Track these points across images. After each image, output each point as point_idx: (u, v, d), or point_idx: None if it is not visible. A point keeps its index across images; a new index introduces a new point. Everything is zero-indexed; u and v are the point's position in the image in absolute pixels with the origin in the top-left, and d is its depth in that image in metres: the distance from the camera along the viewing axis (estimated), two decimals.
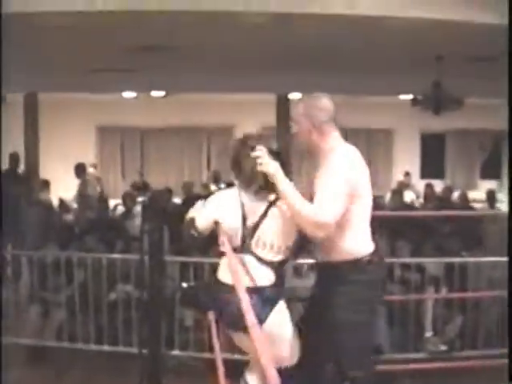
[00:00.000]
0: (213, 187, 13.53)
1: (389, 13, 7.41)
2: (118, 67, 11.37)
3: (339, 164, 3.71)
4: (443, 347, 6.67)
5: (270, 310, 3.71)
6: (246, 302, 2.18)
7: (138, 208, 10.33)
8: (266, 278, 3.77)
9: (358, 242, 3.86)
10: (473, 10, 7.27)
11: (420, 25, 7.73)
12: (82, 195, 12.86)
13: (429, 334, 6.78)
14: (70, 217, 11.13)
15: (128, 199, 11.60)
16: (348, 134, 10.68)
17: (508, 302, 4.47)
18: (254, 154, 3.79)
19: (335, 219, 3.60)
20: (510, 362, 4.00)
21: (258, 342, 1.70)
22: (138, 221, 9.57)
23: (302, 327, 4.03)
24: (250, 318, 1.97)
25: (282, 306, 3.80)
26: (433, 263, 6.92)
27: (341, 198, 3.63)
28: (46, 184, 12.79)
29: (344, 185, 3.65)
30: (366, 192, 3.87)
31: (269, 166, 3.74)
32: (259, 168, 3.76)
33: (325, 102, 3.87)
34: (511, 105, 4.77)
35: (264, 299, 3.69)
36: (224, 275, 3.80)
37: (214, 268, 6.56)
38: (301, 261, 6.33)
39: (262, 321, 3.59)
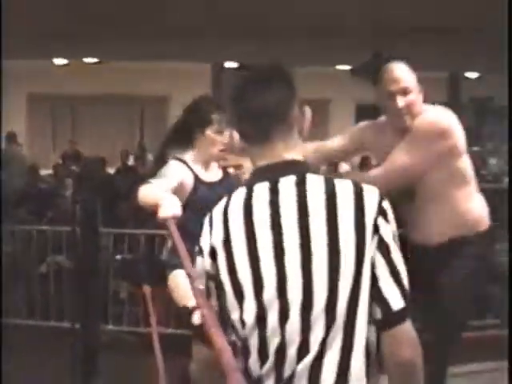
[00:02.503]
0: None
1: None
2: (50, 33, 11.02)
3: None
4: None
5: None
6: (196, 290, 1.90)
7: (69, 180, 10.06)
8: None
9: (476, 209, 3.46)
10: None
11: None
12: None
13: None
14: None
15: (59, 170, 11.33)
16: None
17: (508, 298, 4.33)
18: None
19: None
20: (510, 362, 3.84)
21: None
22: (69, 192, 9.35)
23: None
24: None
25: None
26: None
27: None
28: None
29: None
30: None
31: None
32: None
33: None
34: (511, 100, 4.48)
35: None
36: None
37: (149, 240, 6.43)
38: None
39: None
